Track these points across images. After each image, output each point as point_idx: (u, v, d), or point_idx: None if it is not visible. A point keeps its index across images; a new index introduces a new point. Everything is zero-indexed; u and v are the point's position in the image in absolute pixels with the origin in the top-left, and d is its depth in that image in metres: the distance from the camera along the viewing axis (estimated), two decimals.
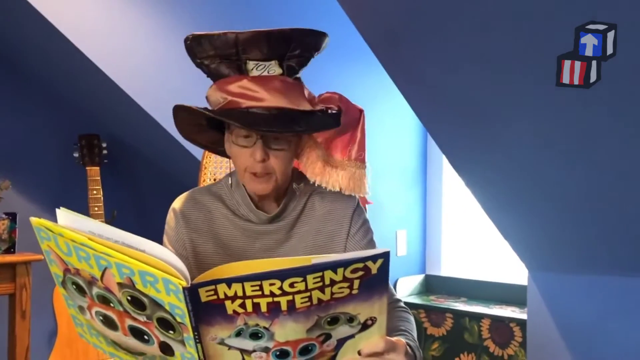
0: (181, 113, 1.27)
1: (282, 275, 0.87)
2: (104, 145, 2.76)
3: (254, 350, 0.94)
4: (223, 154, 1.36)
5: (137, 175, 3.12)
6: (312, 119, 1.24)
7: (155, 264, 0.88)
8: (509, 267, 3.09)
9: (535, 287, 2.30)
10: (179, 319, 0.91)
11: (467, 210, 3.34)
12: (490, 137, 1.86)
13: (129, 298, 0.93)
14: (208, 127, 1.32)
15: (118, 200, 2.95)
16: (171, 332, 0.94)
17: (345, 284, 0.91)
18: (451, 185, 3.43)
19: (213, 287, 0.88)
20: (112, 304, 0.97)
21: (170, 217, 1.35)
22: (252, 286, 0.87)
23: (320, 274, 0.88)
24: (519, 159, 1.88)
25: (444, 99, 1.85)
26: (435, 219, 3.49)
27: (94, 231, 0.94)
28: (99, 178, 2.68)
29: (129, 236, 0.92)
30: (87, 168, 2.69)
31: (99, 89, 2.54)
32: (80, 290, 1.00)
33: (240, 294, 0.88)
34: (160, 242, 1.14)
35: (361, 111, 1.35)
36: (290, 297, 0.89)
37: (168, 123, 2.47)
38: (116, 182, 3.00)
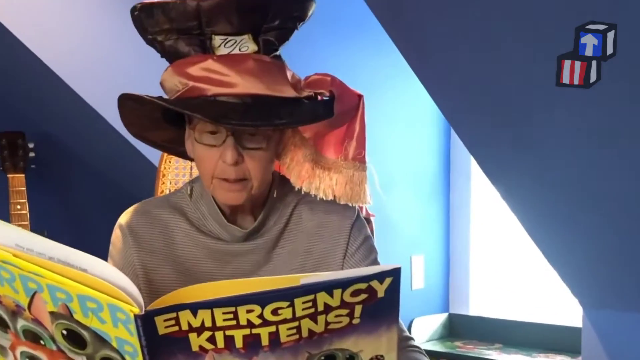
0: (128, 104, 1.27)
1: (262, 299, 0.87)
2: (31, 146, 2.75)
3: None
4: (184, 155, 1.37)
5: (74, 185, 3.11)
6: (297, 109, 1.25)
7: (100, 286, 0.88)
8: (557, 305, 3.09)
9: (591, 329, 2.29)
10: (128, 358, 0.90)
11: (502, 229, 3.36)
12: (534, 133, 1.86)
13: (64, 332, 0.92)
14: (164, 121, 1.32)
15: (49, 217, 2.94)
16: None
17: (344, 311, 0.91)
18: (482, 196, 3.44)
19: (174, 314, 0.87)
20: (42, 341, 0.95)
21: (115, 235, 1.36)
22: (224, 313, 0.87)
23: (311, 297, 0.88)
24: (571, 164, 1.88)
25: (470, 85, 1.86)
26: (462, 242, 3.50)
27: (20, 244, 0.92)
28: (24, 188, 2.67)
29: (66, 251, 0.91)
30: (8, 176, 2.69)
31: (24, 73, 2.57)
32: (1, 323, 0.98)
33: (208, 324, 0.88)
34: None
35: (360, 97, 1.36)
36: (273, 328, 0.89)
37: (115, 117, 2.41)
38: (46, 193, 2.99)
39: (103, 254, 1.36)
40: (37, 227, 2.72)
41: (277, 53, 1.28)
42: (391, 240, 3.23)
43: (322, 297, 0.88)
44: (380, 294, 0.91)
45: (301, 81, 1.31)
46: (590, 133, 1.76)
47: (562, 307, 3.01)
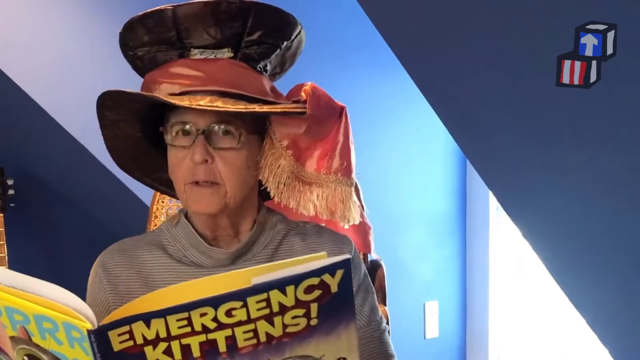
0: (103, 111, 1.33)
1: (215, 301, 0.91)
2: (10, 182, 2.79)
3: None
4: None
5: (58, 226, 3.12)
6: (266, 105, 1.32)
7: (54, 307, 0.93)
8: (586, 355, 3.11)
9: None
10: None
11: (525, 272, 3.39)
12: (561, 166, 1.86)
13: (25, 358, 0.97)
14: (146, 142, 1.38)
15: (30, 261, 2.96)
16: None
17: (300, 311, 0.95)
18: (502, 237, 3.44)
19: (127, 328, 0.91)
20: None
21: (91, 277, 1.42)
22: (177, 320, 0.91)
23: (264, 296, 0.92)
24: (599, 199, 1.88)
25: (489, 113, 1.87)
26: (480, 286, 3.50)
27: None
28: (2, 229, 2.69)
29: (21, 278, 0.96)
30: None
31: (2, 102, 2.57)
32: None
33: (163, 334, 0.92)
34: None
35: (342, 108, 1.40)
36: (228, 332, 0.93)
37: (103, 151, 2.44)
38: (27, 234, 3.02)
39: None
40: (17, 270, 2.71)
41: (257, 67, 1.36)
42: (402, 285, 3.22)
43: (275, 296, 0.92)
44: (334, 289, 0.95)
45: (282, 96, 1.38)
46: (621, 156, 1.75)
47: (592, 358, 3.03)
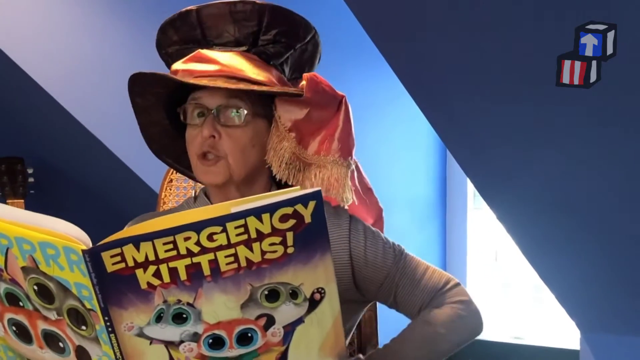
0: (133, 97, 1.36)
1: (197, 225, 0.93)
2: (30, 171, 2.77)
3: (182, 341, 0.99)
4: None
5: (74, 212, 3.04)
6: (269, 86, 1.33)
7: (54, 234, 0.95)
8: (555, 327, 3.11)
9: (589, 352, 2.30)
10: (87, 305, 0.96)
11: (500, 254, 3.41)
12: (531, 156, 1.87)
13: (35, 288, 0.98)
14: (172, 128, 1.40)
15: None
16: (84, 327, 0.98)
17: (277, 239, 0.96)
18: (479, 221, 3.48)
19: (119, 250, 0.93)
20: (21, 303, 1.01)
21: None
22: (164, 244, 0.93)
23: (242, 222, 0.94)
24: (567, 186, 1.90)
25: (466, 106, 1.87)
26: (458, 267, 3.52)
27: None
28: None
29: (21, 212, 0.98)
30: (7, 201, 2.69)
31: (22, 97, 2.58)
32: None
33: (152, 257, 0.94)
34: None
35: (342, 97, 1.42)
36: (211, 256, 0.95)
37: (113, 142, 2.55)
38: None
39: None
40: None
41: (270, 62, 1.37)
42: None
43: (252, 222, 0.94)
44: (307, 219, 0.96)
45: (290, 86, 1.39)
46: (590, 146, 1.76)
47: (560, 330, 3.05)
